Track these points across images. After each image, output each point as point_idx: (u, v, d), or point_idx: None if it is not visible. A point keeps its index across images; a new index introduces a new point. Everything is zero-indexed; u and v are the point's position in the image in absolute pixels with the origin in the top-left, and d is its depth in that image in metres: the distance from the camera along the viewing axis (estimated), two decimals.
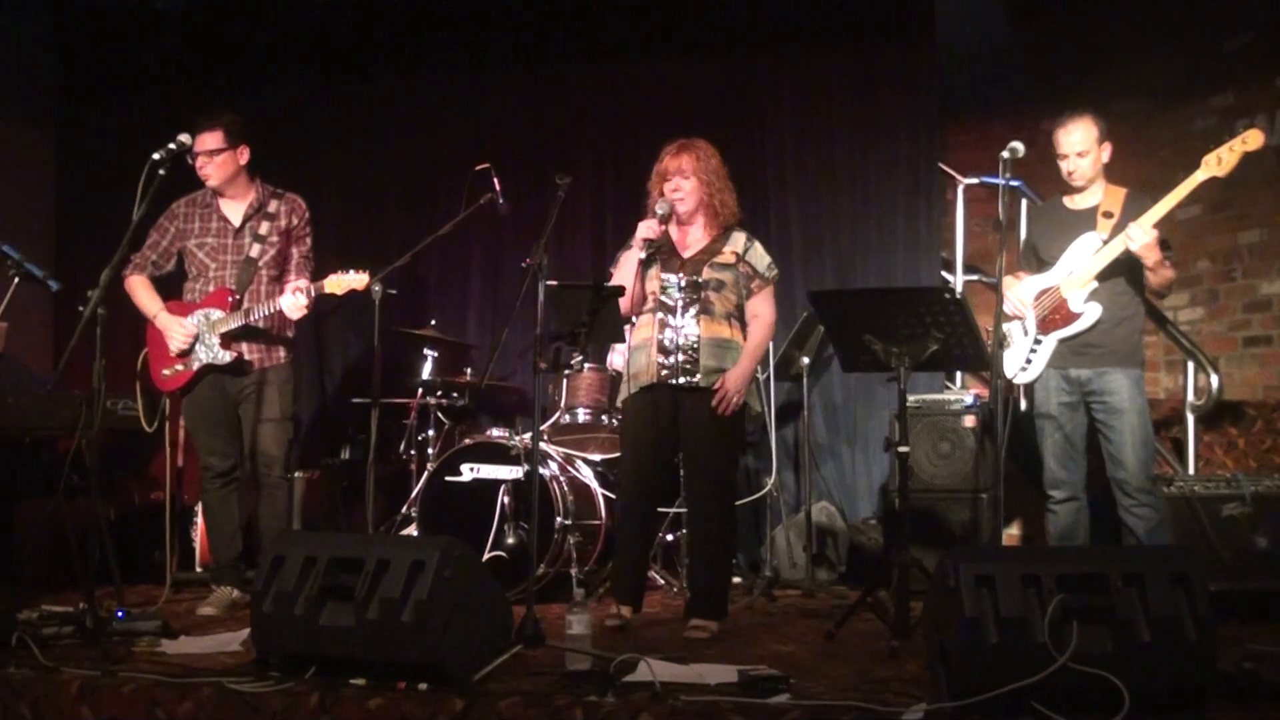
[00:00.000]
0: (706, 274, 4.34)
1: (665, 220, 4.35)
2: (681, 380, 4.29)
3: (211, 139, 4.83)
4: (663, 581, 5.37)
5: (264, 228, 4.93)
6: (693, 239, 4.45)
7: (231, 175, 4.91)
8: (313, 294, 4.79)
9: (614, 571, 4.55)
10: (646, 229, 4.32)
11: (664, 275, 4.37)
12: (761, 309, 4.43)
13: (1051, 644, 2.85)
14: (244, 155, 4.93)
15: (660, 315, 4.34)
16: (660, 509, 4.83)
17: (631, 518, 4.43)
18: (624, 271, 4.36)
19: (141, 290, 4.94)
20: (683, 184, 4.35)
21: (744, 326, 4.42)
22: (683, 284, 4.34)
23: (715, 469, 4.33)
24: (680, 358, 4.29)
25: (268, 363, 4.92)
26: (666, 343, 4.31)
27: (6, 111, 6.83)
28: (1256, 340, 6.23)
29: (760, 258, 4.44)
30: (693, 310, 4.32)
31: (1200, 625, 2.88)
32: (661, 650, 3.70)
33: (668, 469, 4.63)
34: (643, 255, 4.32)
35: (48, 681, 3.32)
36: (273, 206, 4.98)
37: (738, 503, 5.89)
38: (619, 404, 4.54)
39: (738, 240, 4.44)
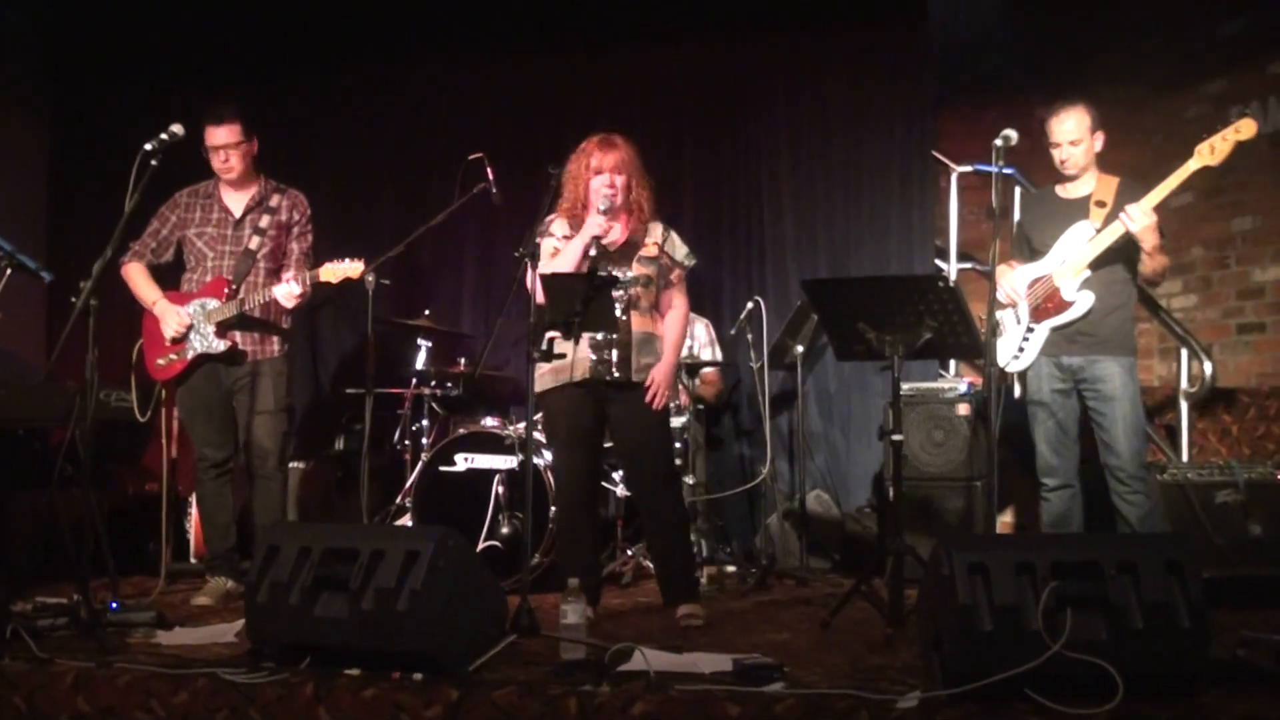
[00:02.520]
0: (636, 269, 4.32)
1: (608, 215, 4.27)
2: (615, 376, 4.26)
3: (233, 132, 4.85)
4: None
5: (264, 221, 4.93)
6: (615, 235, 4.37)
7: (248, 167, 4.92)
8: (308, 283, 4.79)
9: (569, 571, 4.21)
10: (596, 226, 4.21)
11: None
12: (678, 299, 4.47)
13: (1045, 631, 2.87)
14: (254, 147, 4.96)
15: None
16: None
17: (574, 517, 4.37)
18: (565, 261, 4.23)
19: (140, 278, 4.93)
20: (617, 180, 4.29)
21: (661, 319, 4.42)
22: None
23: (659, 460, 4.37)
24: (615, 354, 4.26)
25: (262, 354, 4.92)
26: (599, 339, 4.25)
27: None
28: (1250, 327, 6.24)
29: (678, 247, 4.45)
30: (621, 306, 4.29)
31: (1194, 612, 2.90)
32: (656, 639, 3.71)
33: (600, 463, 4.62)
34: (594, 253, 4.21)
35: (42, 673, 3.32)
36: (274, 200, 4.98)
37: (732, 492, 5.96)
38: (537, 392, 4.34)
39: (655, 231, 4.41)
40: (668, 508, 4.39)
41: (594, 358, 4.27)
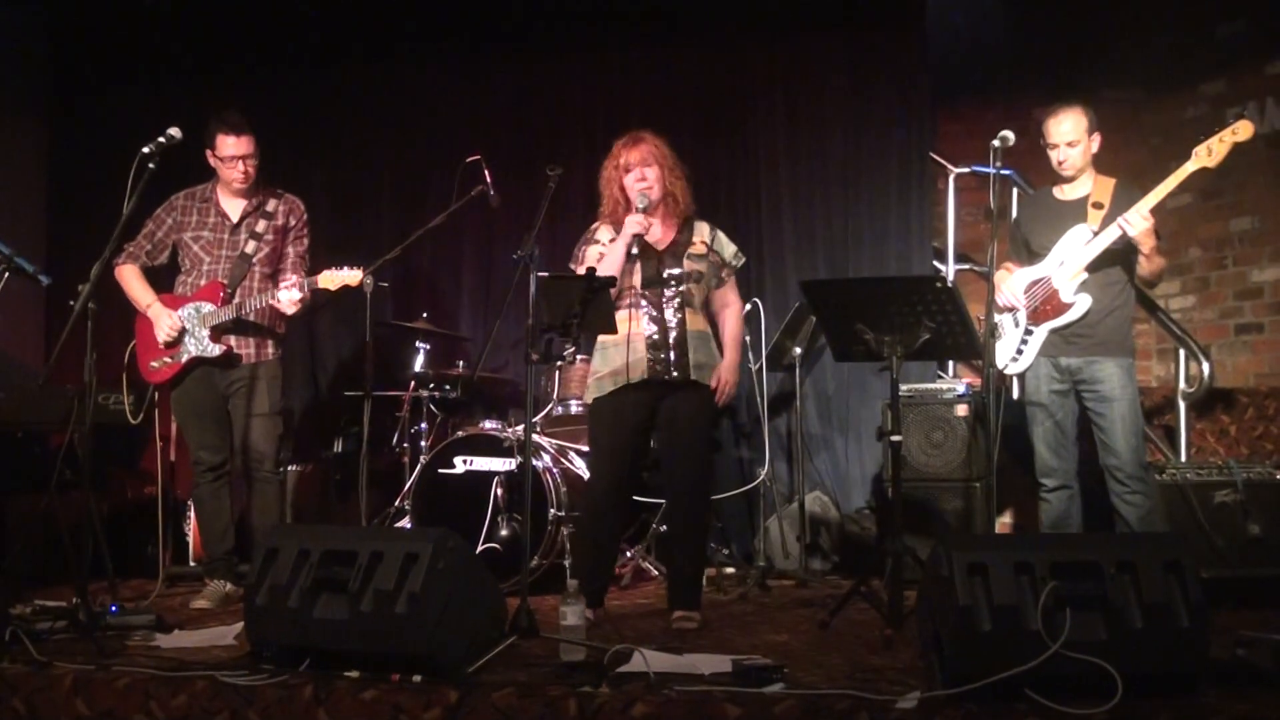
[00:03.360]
0: (688, 265, 4.33)
1: (649, 212, 4.28)
2: (673, 375, 4.25)
3: (250, 142, 4.88)
4: (656, 572, 5.38)
5: (261, 225, 4.94)
6: (659, 231, 4.37)
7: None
8: (307, 289, 4.79)
9: (581, 572, 4.28)
10: (635, 224, 4.21)
11: (644, 269, 4.29)
12: (731, 297, 4.49)
13: (1045, 631, 2.87)
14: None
15: (644, 310, 4.28)
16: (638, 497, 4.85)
17: (602, 524, 4.36)
18: (609, 264, 4.24)
19: (134, 280, 4.94)
20: (648, 173, 4.30)
21: (711, 317, 4.44)
22: (665, 276, 4.31)
23: (700, 464, 4.36)
24: (672, 354, 4.25)
25: (257, 358, 4.93)
26: (656, 338, 4.25)
27: None
28: (1248, 328, 6.24)
29: (726, 245, 4.47)
30: (675, 303, 4.30)
31: (1193, 612, 2.90)
32: (655, 640, 3.71)
33: (640, 468, 4.62)
34: (635, 251, 4.23)
35: (41, 676, 3.32)
36: (271, 205, 4.99)
37: (731, 493, 5.95)
38: (587, 403, 4.42)
39: (703, 230, 4.44)
40: (693, 515, 4.36)
41: (650, 357, 4.24)
